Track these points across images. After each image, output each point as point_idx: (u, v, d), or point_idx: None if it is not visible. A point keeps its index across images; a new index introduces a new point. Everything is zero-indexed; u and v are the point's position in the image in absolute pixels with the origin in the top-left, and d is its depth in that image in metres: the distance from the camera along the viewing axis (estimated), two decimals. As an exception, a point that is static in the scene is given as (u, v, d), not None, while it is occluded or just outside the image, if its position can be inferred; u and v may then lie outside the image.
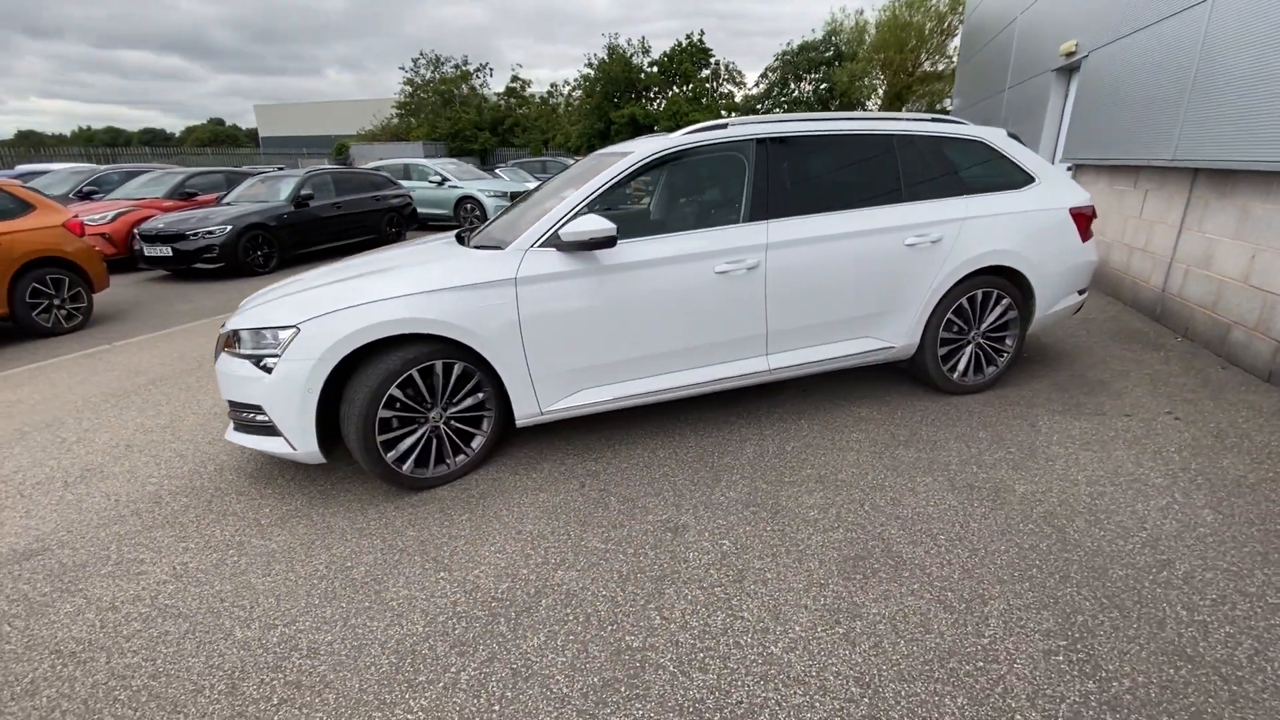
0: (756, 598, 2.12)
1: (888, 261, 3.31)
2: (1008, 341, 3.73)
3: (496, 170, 18.43)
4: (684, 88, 33.66)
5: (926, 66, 29.10)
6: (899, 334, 3.45)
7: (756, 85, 35.42)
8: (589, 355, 2.98)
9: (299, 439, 2.70)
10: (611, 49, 33.61)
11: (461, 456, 3.01)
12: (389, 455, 2.77)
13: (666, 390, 3.16)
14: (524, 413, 2.98)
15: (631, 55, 33.69)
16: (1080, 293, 3.90)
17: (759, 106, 33.60)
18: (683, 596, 2.14)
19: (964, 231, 3.42)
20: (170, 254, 8.69)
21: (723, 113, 33.44)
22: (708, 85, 34.01)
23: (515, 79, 35.00)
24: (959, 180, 3.51)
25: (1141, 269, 5.36)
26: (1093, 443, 3.08)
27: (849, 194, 3.35)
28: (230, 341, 2.84)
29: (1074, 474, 2.80)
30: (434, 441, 2.91)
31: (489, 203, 13.91)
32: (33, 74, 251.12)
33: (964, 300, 3.52)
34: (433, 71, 35.83)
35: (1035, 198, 3.62)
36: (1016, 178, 3.65)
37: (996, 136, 3.67)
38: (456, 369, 2.85)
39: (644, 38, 40.43)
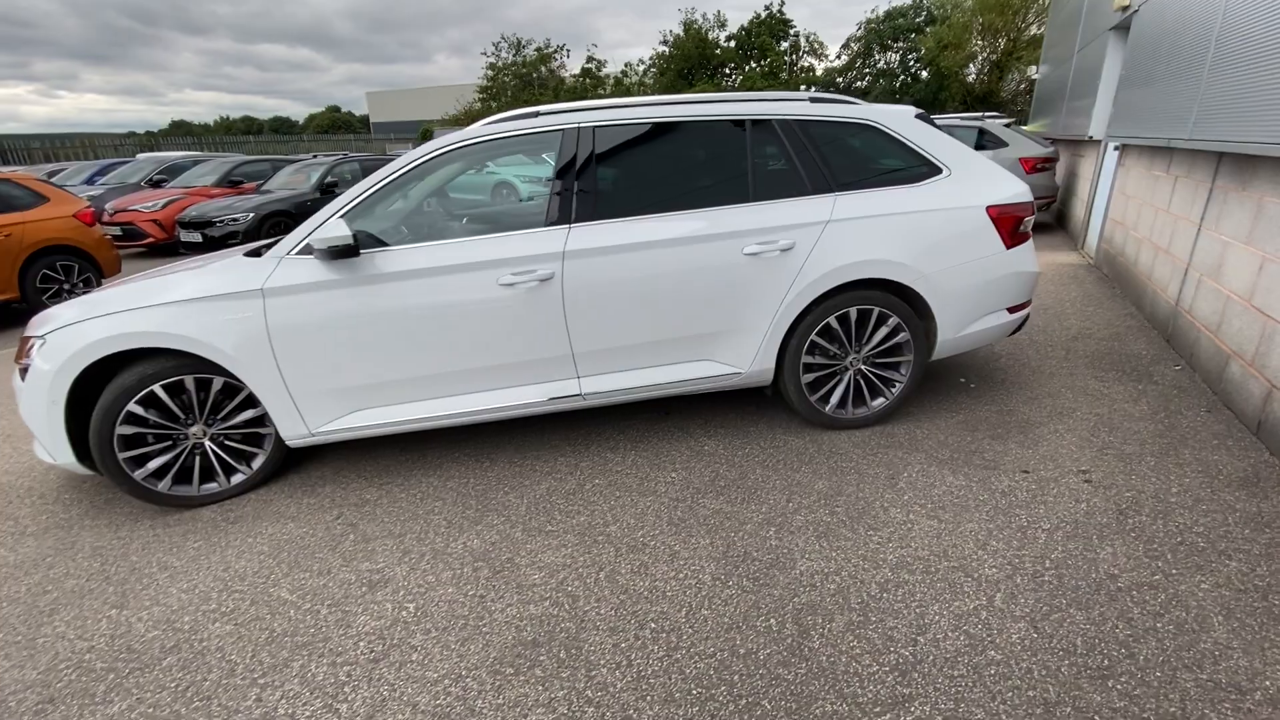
0: (375, 686, 1.80)
1: (722, 273, 2.79)
2: (904, 369, 3.08)
3: (544, 155, 18.38)
4: (761, 62, 32.08)
5: (1035, 29, 25.78)
6: (744, 357, 2.92)
7: (839, 57, 33.13)
8: (360, 374, 2.72)
9: (54, 449, 2.65)
10: (687, 25, 32.59)
11: (238, 475, 2.86)
12: (137, 472, 2.66)
13: (462, 414, 2.84)
14: (291, 433, 2.77)
15: (707, 31, 32.50)
16: (1013, 310, 3.15)
17: (839, 80, 31.36)
18: (305, 673, 1.86)
19: (826, 237, 2.82)
20: (200, 239, 9.30)
21: (801, 87, 31.58)
22: (786, 59, 32.20)
23: (590, 59, 34.78)
24: (831, 174, 2.89)
25: (1162, 275, 4.35)
26: (949, 508, 2.45)
27: (681, 193, 2.84)
28: (20, 348, 2.84)
29: (886, 553, 2.21)
30: (199, 459, 2.78)
31: (523, 188, 13.91)
32: (187, 68, 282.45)
33: (833, 319, 2.92)
34: (514, 55, 36.35)
35: (936, 193, 2.93)
36: (917, 170, 2.97)
37: (894, 119, 2.99)
38: (216, 384, 2.69)
39: (719, 12, 38.81)
